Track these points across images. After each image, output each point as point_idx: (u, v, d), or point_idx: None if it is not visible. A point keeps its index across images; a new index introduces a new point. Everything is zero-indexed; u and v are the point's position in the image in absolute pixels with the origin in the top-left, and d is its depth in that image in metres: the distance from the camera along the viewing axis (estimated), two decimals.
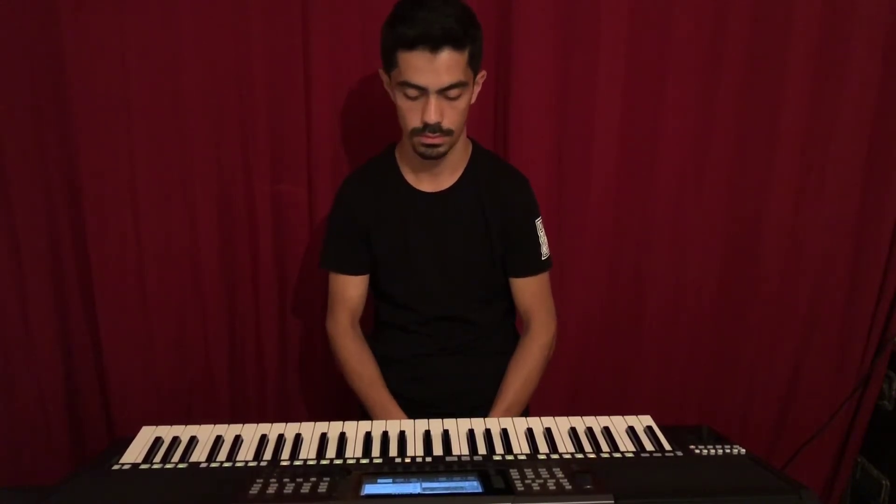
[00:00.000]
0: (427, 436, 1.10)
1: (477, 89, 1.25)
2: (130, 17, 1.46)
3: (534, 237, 1.38)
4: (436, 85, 1.15)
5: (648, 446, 1.09)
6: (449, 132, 1.20)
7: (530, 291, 1.40)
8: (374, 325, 1.51)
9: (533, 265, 1.39)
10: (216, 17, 1.49)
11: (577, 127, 1.62)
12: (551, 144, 1.63)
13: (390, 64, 1.18)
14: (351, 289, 1.39)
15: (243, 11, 1.49)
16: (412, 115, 1.19)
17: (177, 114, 1.54)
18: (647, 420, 1.17)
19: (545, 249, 1.39)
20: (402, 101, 1.20)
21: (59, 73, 1.47)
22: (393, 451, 1.06)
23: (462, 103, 1.19)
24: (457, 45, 1.13)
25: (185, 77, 1.51)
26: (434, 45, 1.12)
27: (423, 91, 1.16)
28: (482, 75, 1.25)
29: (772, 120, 1.63)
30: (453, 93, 1.16)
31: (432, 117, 1.17)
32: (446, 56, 1.13)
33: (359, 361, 1.37)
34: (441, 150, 1.23)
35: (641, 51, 1.58)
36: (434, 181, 1.33)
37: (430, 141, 1.21)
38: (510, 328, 1.52)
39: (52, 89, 1.49)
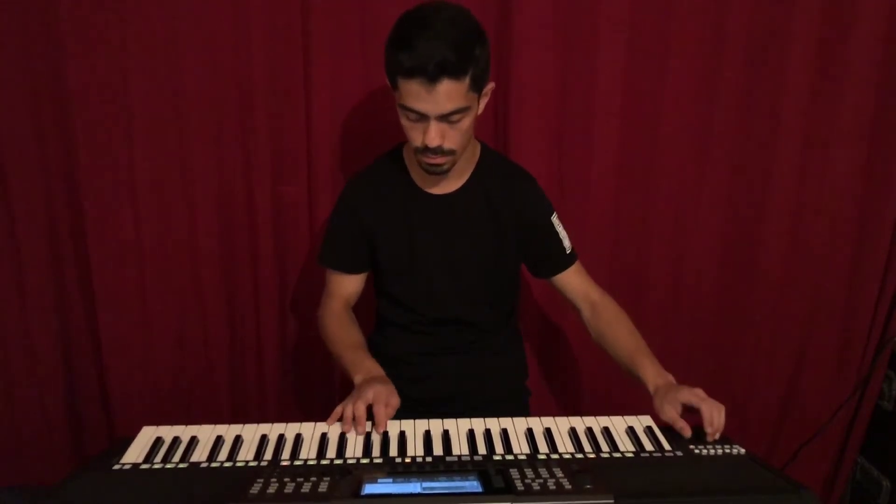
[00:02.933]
0: (427, 436, 1.11)
1: (484, 100, 1.22)
2: (130, 17, 1.46)
3: (555, 234, 1.38)
4: (435, 112, 1.13)
5: (648, 446, 1.09)
6: (451, 152, 1.19)
7: (576, 281, 1.40)
8: (375, 323, 1.51)
9: (563, 260, 1.39)
10: (216, 18, 1.49)
11: (577, 125, 1.62)
12: (551, 143, 1.63)
13: (392, 84, 1.17)
14: (347, 286, 1.40)
15: (243, 12, 1.49)
16: (415, 135, 1.18)
17: (177, 114, 1.54)
18: (647, 420, 1.18)
19: (567, 243, 1.39)
20: (404, 121, 1.19)
21: (59, 73, 1.47)
22: (393, 451, 1.06)
23: (465, 124, 1.17)
24: (455, 75, 1.10)
25: (185, 78, 1.51)
26: (431, 78, 1.09)
27: (423, 116, 1.14)
28: (490, 87, 1.22)
29: (772, 119, 1.63)
30: (455, 117, 1.14)
31: (433, 142, 1.15)
32: (445, 87, 1.10)
33: (340, 326, 1.34)
34: (444, 167, 1.23)
35: (641, 49, 1.58)
36: (441, 184, 1.33)
37: (432, 161, 1.20)
38: (513, 329, 1.52)
39: (52, 89, 1.49)
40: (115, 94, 1.50)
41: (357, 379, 1.21)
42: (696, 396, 1.14)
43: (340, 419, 1.13)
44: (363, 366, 1.24)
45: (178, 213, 1.61)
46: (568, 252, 1.39)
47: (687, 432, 1.12)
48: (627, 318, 1.36)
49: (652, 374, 1.23)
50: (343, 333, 1.33)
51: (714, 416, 1.11)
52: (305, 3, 1.49)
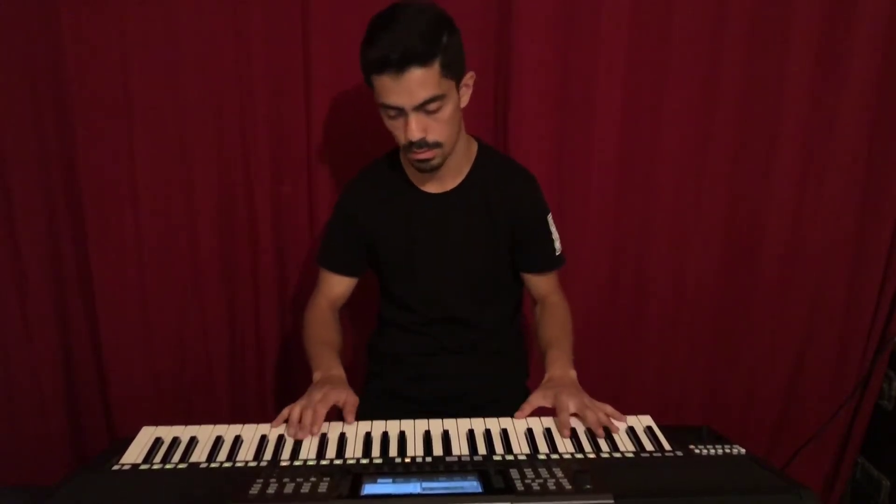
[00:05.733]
0: (427, 436, 1.10)
1: (466, 91, 1.23)
2: (130, 17, 1.46)
3: (548, 234, 1.38)
4: (410, 103, 1.13)
5: (648, 446, 1.09)
6: (437, 144, 1.19)
7: (545, 285, 1.42)
8: (377, 323, 1.51)
9: (549, 262, 1.40)
10: (216, 18, 1.49)
11: (578, 125, 1.62)
12: (551, 143, 1.63)
13: (369, 84, 1.18)
14: (337, 287, 1.40)
15: (243, 12, 1.49)
16: (398, 133, 1.19)
17: (177, 114, 1.54)
18: (647, 420, 1.17)
19: (558, 245, 1.40)
20: (386, 121, 1.19)
21: (59, 73, 1.47)
22: (393, 451, 1.06)
23: (445, 114, 1.17)
24: (422, 61, 1.10)
25: (185, 77, 1.52)
26: (397, 67, 1.09)
27: (400, 110, 1.15)
28: (470, 76, 1.22)
29: (772, 118, 1.63)
30: (432, 107, 1.15)
31: (414, 135, 1.15)
32: (413, 75, 1.10)
33: (319, 324, 1.35)
34: (434, 162, 1.22)
35: (642, 48, 1.58)
36: (438, 182, 1.33)
37: (420, 156, 1.20)
38: (514, 329, 1.52)
39: (52, 89, 1.50)
40: (115, 95, 1.50)
41: (315, 376, 1.22)
42: (563, 408, 1.14)
43: (286, 422, 1.13)
44: (324, 364, 1.25)
45: (178, 213, 1.61)
46: (557, 255, 1.40)
47: (517, 414, 1.16)
48: (566, 316, 1.38)
49: (556, 365, 1.26)
50: (318, 330, 1.34)
51: (597, 417, 1.12)
52: (305, 3, 1.49)
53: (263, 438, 1.10)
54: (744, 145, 1.66)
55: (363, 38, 1.15)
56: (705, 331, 1.80)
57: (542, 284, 1.42)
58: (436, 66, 1.12)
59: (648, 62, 1.59)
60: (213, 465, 1.02)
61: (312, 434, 1.10)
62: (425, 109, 1.15)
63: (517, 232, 1.36)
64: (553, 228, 1.39)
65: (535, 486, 0.89)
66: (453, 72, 1.16)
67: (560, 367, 1.26)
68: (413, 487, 0.90)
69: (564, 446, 1.08)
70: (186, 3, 1.47)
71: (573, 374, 1.25)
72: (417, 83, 1.11)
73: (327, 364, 1.25)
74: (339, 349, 1.32)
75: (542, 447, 1.07)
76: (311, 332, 1.35)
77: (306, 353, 1.32)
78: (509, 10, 1.51)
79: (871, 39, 1.57)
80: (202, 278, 1.66)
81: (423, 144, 1.18)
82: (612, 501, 0.86)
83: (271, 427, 1.13)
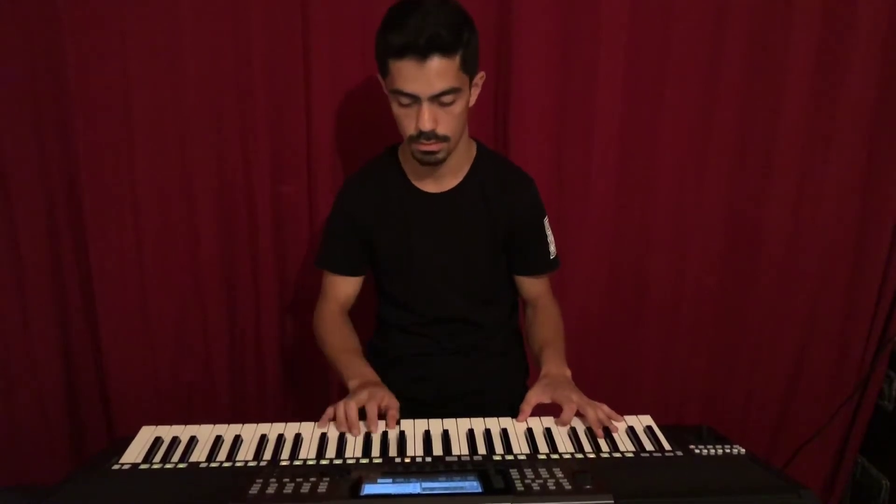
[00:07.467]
0: (427, 436, 1.11)
1: (476, 91, 1.23)
2: (131, 17, 1.46)
3: (543, 237, 1.38)
4: (427, 92, 1.13)
5: (648, 446, 1.09)
6: (445, 138, 1.19)
7: (537, 287, 1.42)
8: (376, 324, 1.51)
9: (543, 265, 1.40)
10: (216, 18, 1.49)
11: (577, 126, 1.62)
12: (551, 144, 1.63)
13: (383, 71, 1.17)
14: (342, 289, 1.40)
15: (243, 12, 1.49)
16: (407, 122, 1.18)
17: (177, 114, 1.54)
18: (647, 420, 1.18)
19: (553, 248, 1.40)
20: (396, 108, 1.19)
21: (60, 74, 1.47)
22: (393, 451, 1.06)
23: (457, 108, 1.17)
24: (446, 51, 1.10)
25: (185, 78, 1.51)
26: (422, 54, 1.09)
27: (415, 99, 1.14)
28: (481, 76, 1.23)
29: (772, 119, 1.63)
30: (447, 99, 1.14)
31: (426, 125, 1.15)
32: (436, 63, 1.10)
33: (335, 331, 1.35)
34: (439, 156, 1.22)
35: (642, 50, 1.58)
36: (437, 182, 1.33)
37: (426, 148, 1.20)
38: (513, 329, 1.52)
39: (53, 89, 1.49)
40: (115, 94, 1.50)
41: (352, 384, 1.21)
42: (567, 399, 1.16)
43: (333, 420, 1.13)
44: (358, 371, 1.25)
45: (178, 213, 1.61)
46: (551, 258, 1.40)
47: (519, 418, 1.16)
48: (559, 318, 1.40)
49: (551, 363, 1.28)
50: (337, 338, 1.34)
51: (597, 415, 1.14)
52: (305, 3, 1.49)
53: (263, 438, 1.10)
54: (743, 146, 1.66)
55: (383, 22, 1.15)
56: (705, 331, 1.80)
57: (534, 287, 1.42)
58: (457, 59, 1.12)
59: (648, 64, 1.59)
60: (212, 464, 1.02)
61: (372, 431, 1.11)
62: (440, 101, 1.14)
63: (513, 233, 1.36)
64: (549, 232, 1.39)
65: (535, 486, 0.89)
66: (470, 68, 1.17)
67: (556, 365, 1.28)
68: (413, 487, 0.90)
69: (564, 446, 1.08)
70: (187, 3, 1.47)
71: (568, 372, 1.27)
72: (437, 73, 1.11)
73: (360, 371, 1.25)
74: (361, 353, 1.32)
75: (542, 447, 1.08)
76: (330, 340, 1.34)
77: (331, 364, 1.32)
78: (509, 13, 1.51)
79: (871, 41, 1.57)
80: (202, 278, 1.66)
81: (431, 136, 1.17)
82: (611, 501, 0.86)
83: (319, 426, 1.13)
